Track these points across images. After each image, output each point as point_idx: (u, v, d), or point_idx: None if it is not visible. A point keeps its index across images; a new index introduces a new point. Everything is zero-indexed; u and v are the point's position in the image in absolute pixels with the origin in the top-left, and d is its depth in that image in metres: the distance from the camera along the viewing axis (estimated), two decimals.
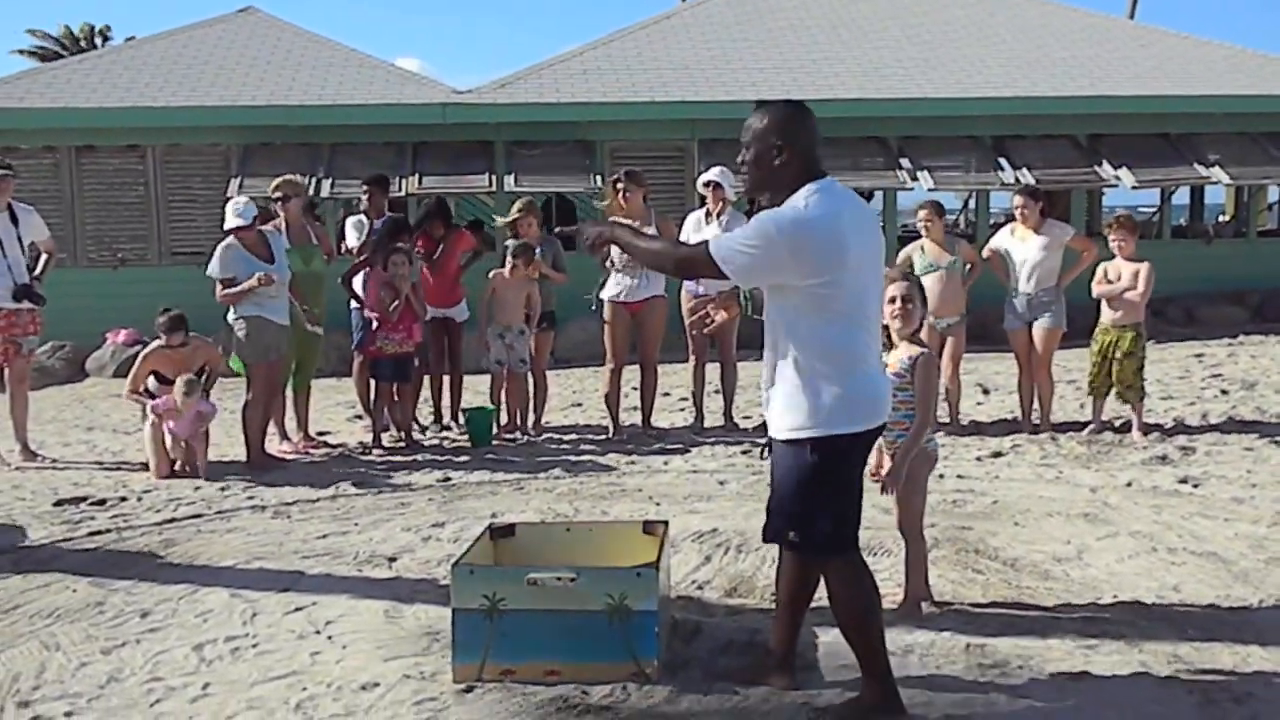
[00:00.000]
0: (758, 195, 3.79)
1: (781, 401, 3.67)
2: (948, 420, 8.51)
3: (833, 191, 3.59)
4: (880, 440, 4.59)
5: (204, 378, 7.84)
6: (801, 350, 3.60)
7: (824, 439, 3.58)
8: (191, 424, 7.69)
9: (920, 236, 8.55)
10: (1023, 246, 8.34)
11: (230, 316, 7.81)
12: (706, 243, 3.68)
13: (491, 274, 8.72)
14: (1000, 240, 8.55)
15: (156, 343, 7.85)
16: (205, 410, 7.73)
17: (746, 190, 3.81)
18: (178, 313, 7.75)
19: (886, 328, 4.56)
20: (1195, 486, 6.81)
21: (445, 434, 8.95)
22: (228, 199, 13.10)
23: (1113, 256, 8.19)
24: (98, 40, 47.44)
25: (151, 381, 7.84)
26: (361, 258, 8.64)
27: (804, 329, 3.59)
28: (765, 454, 3.85)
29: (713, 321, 4.59)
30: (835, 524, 3.68)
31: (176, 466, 7.73)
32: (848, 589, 3.74)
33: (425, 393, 9.20)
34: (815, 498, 3.64)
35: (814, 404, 3.57)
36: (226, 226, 7.77)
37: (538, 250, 8.68)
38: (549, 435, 8.81)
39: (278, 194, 8.40)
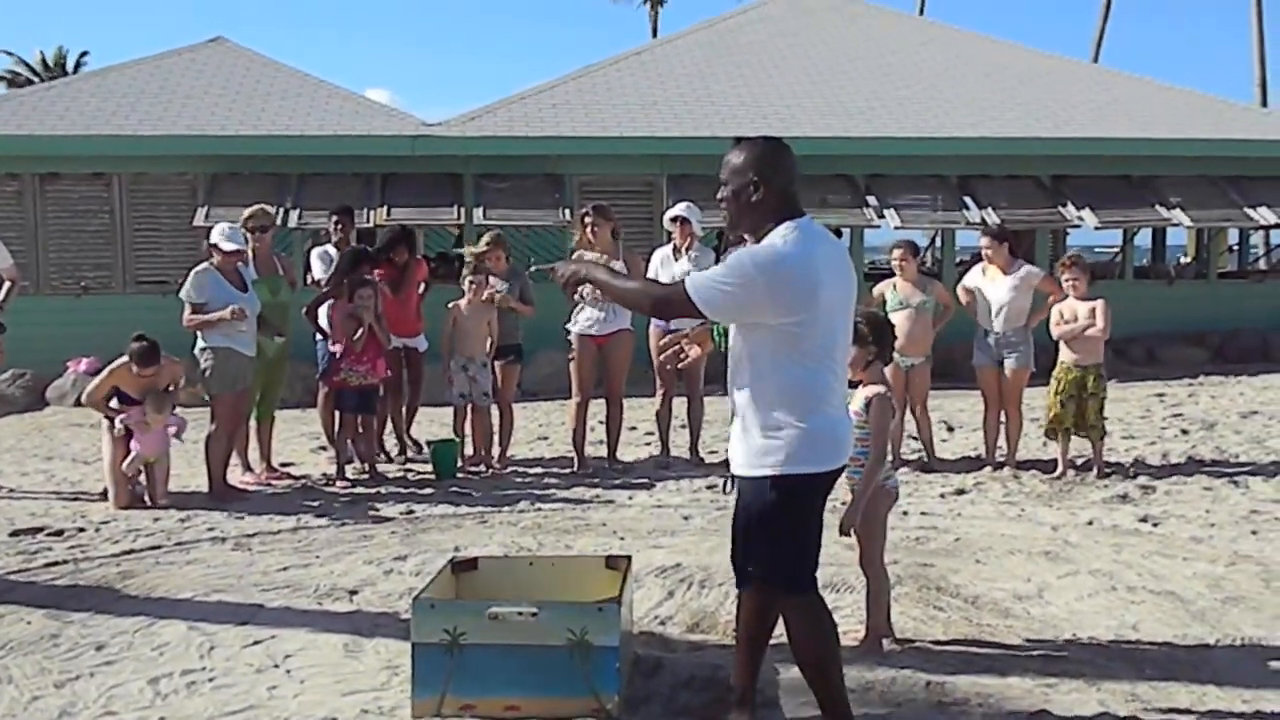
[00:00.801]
0: (735, 232, 3.78)
1: (744, 438, 3.68)
2: (926, 458, 8.59)
3: (810, 230, 3.60)
4: (842, 477, 4.61)
5: (170, 390, 7.77)
6: (767, 387, 3.60)
7: (784, 477, 3.58)
8: (160, 440, 7.63)
9: (893, 275, 8.62)
10: (993, 286, 8.41)
11: (197, 347, 7.76)
12: (683, 282, 3.64)
13: (450, 305, 8.72)
14: (973, 279, 8.62)
15: (123, 360, 7.70)
16: (173, 424, 7.67)
17: (726, 227, 3.82)
18: (152, 343, 7.63)
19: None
20: (1155, 525, 6.87)
21: (409, 466, 8.91)
22: (195, 227, 13.30)
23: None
24: (70, 68, 47.13)
25: (114, 403, 7.73)
26: (325, 289, 8.62)
27: (770, 367, 3.59)
28: (729, 488, 3.85)
29: (686, 357, 4.59)
30: (793, 562, 3.68)
31: (137, 490, 7.65)
32: (806, 628, 3.73)
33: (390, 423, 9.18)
34: (774, 535, 3.64)
35: (776, 442, 3.58)
36: (219, 245, 7.71)
37: (506, 284, 8.67)
38: (514, 468, 8.78)
39: (251, 224, 8.35)
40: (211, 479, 7.84)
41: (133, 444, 7.58)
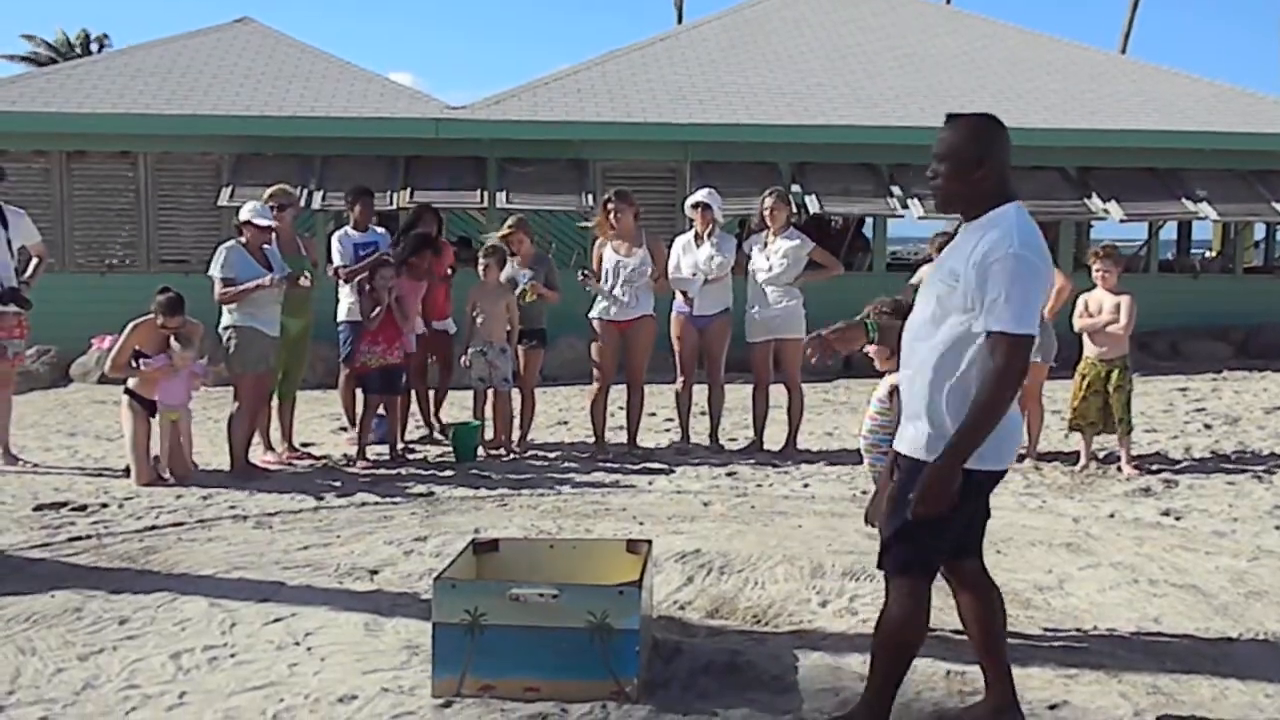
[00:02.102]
0: (950, 211, 3.66)
1: (934, 428, 3.51)
2: None
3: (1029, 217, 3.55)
4: (865, 464, 4.61)
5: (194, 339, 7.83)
6: (969, 379, 3.45)
7: (970, 472, 3.44)
8: (185, 387, 7.67)
9: (930, 261, 8.57)
10: None
11: (221, 325, 7.80)
12: (1000, 334, 3.35)
13: (470, 289, 8.75)
14: None
15: (145, 317, 7.73)
16: (198, 371, 7.71)
17: (938, 205, 3.70)
18: (177, 294, 7.69)
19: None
20: (1177, 519, 6.83)
21: (430, 447, 8.93)
22: (219, 207, 13.34)
23: (1092, 287, 8.21)
24: (94, 48, 47.29)
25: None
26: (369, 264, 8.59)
27: (976, 357, 3.44)
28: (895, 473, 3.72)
29: (834, 354, 4.49)
30: (932, 549, 3.58)
31: (162, 470, 7.70)
32: (902, 610, 3.61)
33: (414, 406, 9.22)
34: (932, 520, 3.48)
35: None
36: (252, 221, 7.75)
37: (528, 272, 8.66)
38: (534, 452, 8.79)
39: (273, 203, 8.36)
40: (234, 458, 7.88)
41: (157, 398, 7.61)
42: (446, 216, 12.22)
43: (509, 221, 8.97)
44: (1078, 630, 4.83)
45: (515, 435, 8.86)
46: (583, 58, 20.23)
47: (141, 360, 7.64)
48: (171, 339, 7.63)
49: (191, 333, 7.82)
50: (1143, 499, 7.36)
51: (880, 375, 4.77)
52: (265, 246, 7.91)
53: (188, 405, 7.88)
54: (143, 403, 7.70)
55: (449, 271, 9.29)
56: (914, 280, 8.55)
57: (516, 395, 8.85)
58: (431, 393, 9.34)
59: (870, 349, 4.67)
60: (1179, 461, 8.50)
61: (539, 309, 8.83)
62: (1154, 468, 8.19)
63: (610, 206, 8.51)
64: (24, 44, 48.63)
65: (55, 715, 3.92)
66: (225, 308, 7.77)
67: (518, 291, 8.63)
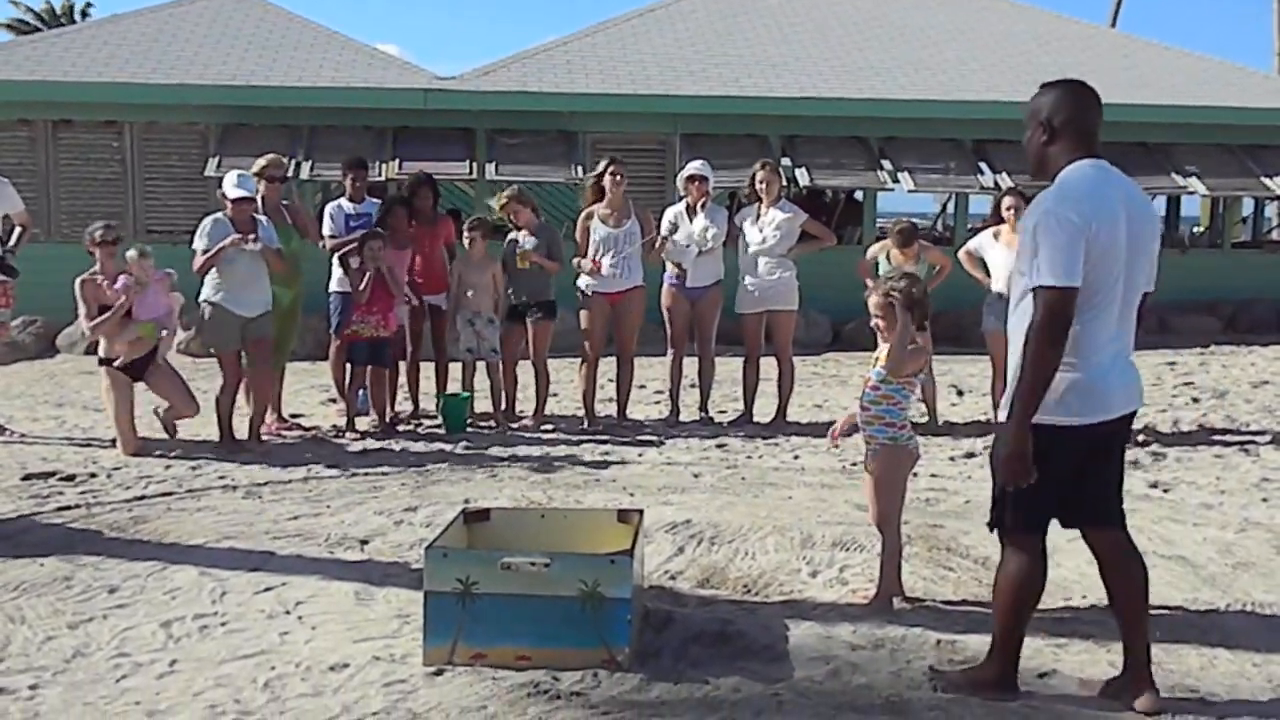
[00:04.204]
0: (1037, 177, 3.81)
1: (1011, 391, 3.63)
2: (925, 419, 8.55)
3: (1097, 169, 3.65)
4: (861, 432, 4.64)
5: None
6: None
7: (1037, 428, 3.52)
8: (159, 301, 7.71)
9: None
10: (1007, 250, 8.34)
11: (200, 297, 7.74)
12: (1038, 288, 3.47)
13: (455, 261, 8.72)
14: (979, 242, 8.57)
15: (86, 273, 7.77)
16: (164, 277, 7.81)
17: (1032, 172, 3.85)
18: (108, 223, 7.91)
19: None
20: (1165, 491, 6.87)
21: (419, 421, 8.91)
22: (206, 177, 13.25)
23: None
24: (78, 17, 46.84)
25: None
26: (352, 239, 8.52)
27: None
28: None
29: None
30: (1029, 508, 3.69)
31: (168, 423, 7.84)
32: (1015, 567, 3.77)
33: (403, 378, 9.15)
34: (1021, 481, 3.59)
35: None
36: (229, 196, 7.62)
37: (531, 240, 8.59)
38: (523, 424, 8.77)
39: (266, 173, 8.26)
40: (220, 431, 7.87)
41: (135, 315, 7.65)
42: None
43: (505, 193, 8.87)
44: (1066, 601, 4.85)
45: (523, 409, 8.86)
46: (570, 30, 20.12)
47: (109, 290, 7.63)
48: (128, 256, 7.69)
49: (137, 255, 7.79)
50: (1131, 471, 7.34)
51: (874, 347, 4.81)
52: (257, 217, 7.83)
53: (174, 318, 7.87)
54: (122, 369, 7.67)
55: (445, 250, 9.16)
56: (868, 255, 8.68)
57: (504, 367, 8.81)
58: (433, 366, 9.17)
59: (879, 322, 4.74)
60: (1167, 434, 8.53)
61: (545, 280, 8.71)
62: (1141, 440, 8.21)
63: (612, 171, 8.44)
64: (10, 9, 48.09)
65: (46, 683, 3.91)
66: (206, 280, 7.68)
67: (518, 253, 8.55)
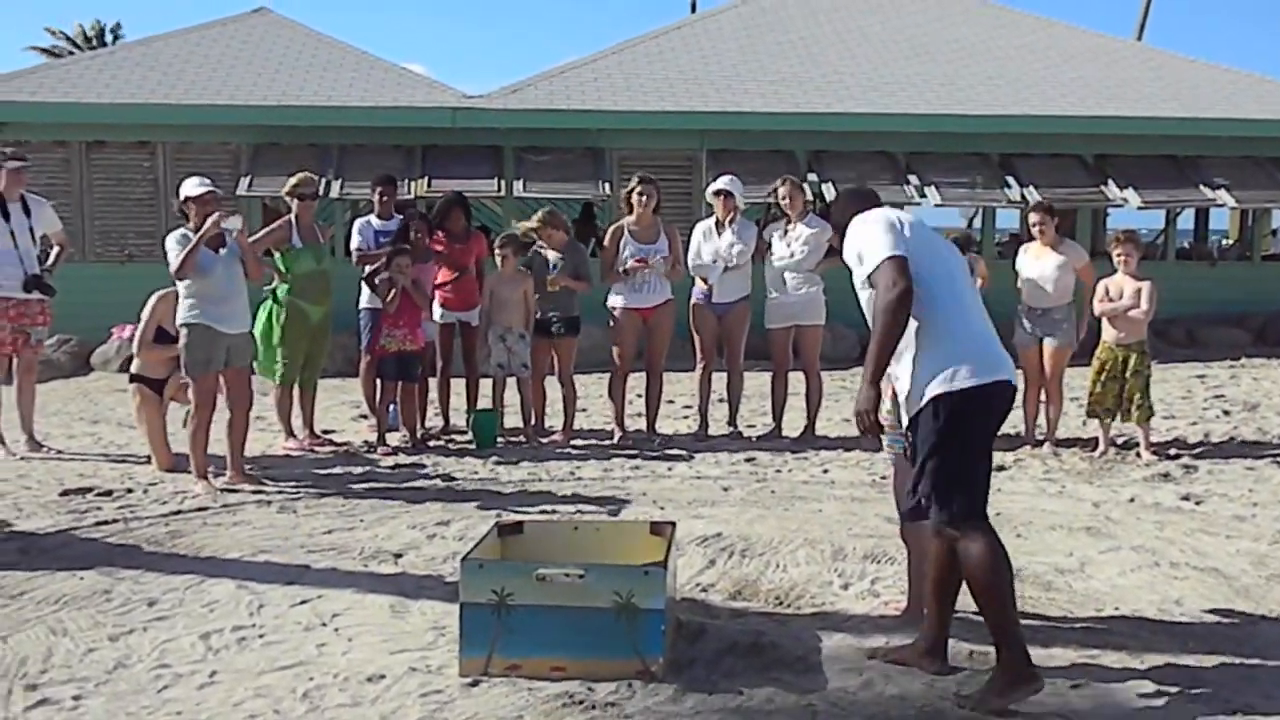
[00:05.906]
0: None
1: (909, 379, 4.07)
2: None
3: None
4: (884, 440, 4.65)
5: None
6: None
7: (947, 395, 3.91)
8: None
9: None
10: (1038, 264, 8.34)
11: (178, 320, 7.16)
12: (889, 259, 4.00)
13: (487, 277, 8.78)
14: (1019, 260, 8.56)
15: (168, 289, 7.39)
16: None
17: None
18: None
19: None
20: (1197, 504, 6.84)
21: (450, 436, 8.97)
22: (238, 196, 13.37)
23: (1112, 272, 8.21)
24: (108, 38, 47.47)
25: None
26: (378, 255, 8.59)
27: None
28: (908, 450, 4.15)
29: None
30: (966, 488, 3.97)
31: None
32: (976, 554, 3.89)
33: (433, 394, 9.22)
34: (946, 461, 3.93)
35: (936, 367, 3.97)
36: (192, 194, 7.04)
37: (557, 261, 8.65)
38: (553, 439, 8.81)
39: (299, 191, 8.31)
40: (196, 472, 7.18)
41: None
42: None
43: (538, 215, 8.93)
44: (1099, 612, 4.85)
45: (556, 425, 8.90)
46: (596, 49, 20.24)
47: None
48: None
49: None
50: (1162, 484, 7.36)
51: None
52: (225, 226, 7.07)
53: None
54: (151, 385, 7.74)
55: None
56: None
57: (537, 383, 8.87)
58: (464, 382, 9.22)
59: None
60: (1198, 447, 8.50)
61: (572, 297, 8.78)
62: (1173, 453, 8.19)
63: (641, 190, 8.51)
64: (48, 37, 48.78)
65: (88, 693, 3.97)
66: (180, 303, 7.09)
67: (548, 278, 8.62)
